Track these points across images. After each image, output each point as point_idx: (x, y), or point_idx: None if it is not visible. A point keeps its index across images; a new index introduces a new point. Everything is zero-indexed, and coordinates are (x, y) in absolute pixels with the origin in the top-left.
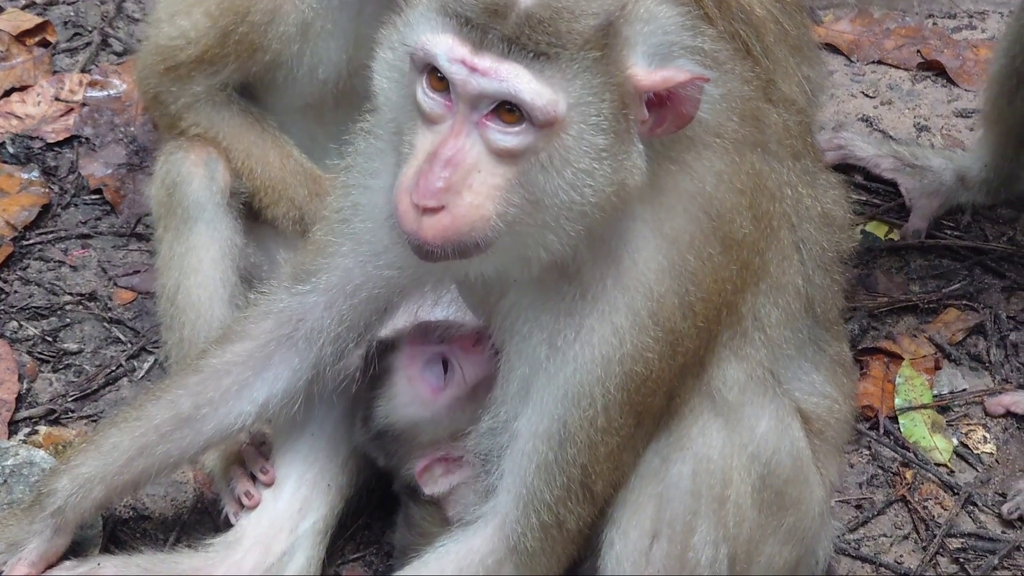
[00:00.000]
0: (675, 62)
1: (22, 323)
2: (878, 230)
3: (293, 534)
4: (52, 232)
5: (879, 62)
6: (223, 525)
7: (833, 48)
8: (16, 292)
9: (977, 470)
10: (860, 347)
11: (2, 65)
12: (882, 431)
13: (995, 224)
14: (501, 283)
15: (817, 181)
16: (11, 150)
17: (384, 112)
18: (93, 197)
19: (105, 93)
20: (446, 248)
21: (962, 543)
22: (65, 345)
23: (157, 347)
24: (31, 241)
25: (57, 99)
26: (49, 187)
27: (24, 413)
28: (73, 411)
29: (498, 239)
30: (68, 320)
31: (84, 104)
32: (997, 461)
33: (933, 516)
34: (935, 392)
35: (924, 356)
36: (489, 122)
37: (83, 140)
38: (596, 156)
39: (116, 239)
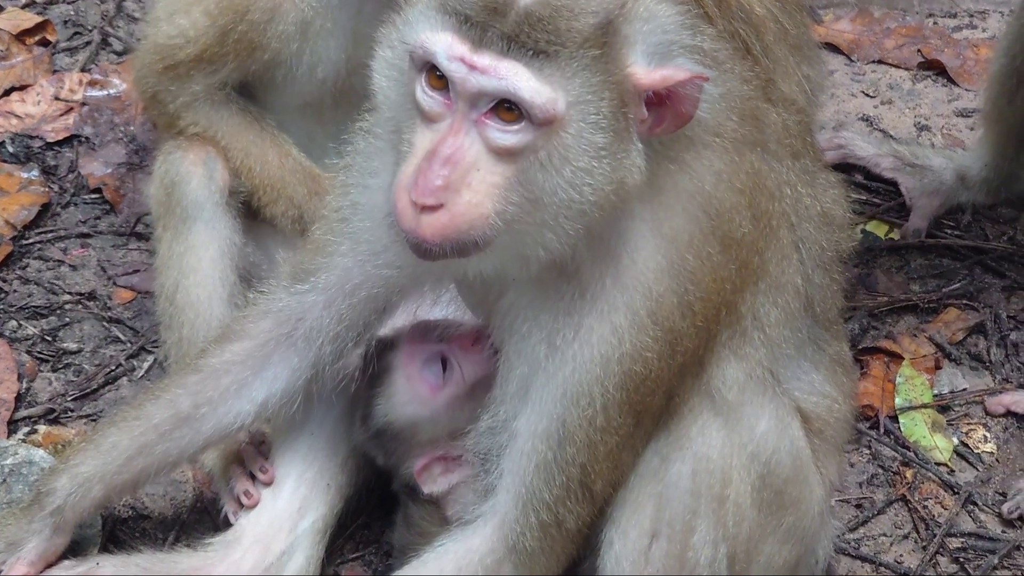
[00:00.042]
0: (674, 61)
1: (21, 322)
2: (878, 229)
3: (292, 533)
4: (52, 231)
5: (879, 61)
6: (222, 524)
7: (833, 47)
8: (16, 291)
9: (977, 469)
10: (860, 346)
11: (2, 64)
12: (882, 430)
13: (995, 223)
14: (500, 282)
15: (816, 180)
16: (11, 149)
17: (383, 111)
18: (93, 196)
19: (105, 92)
20: (444, 246)
21: (962, 542)
22: (64, 344)
23: (156, 346)
24: (31, 240)
25: (57, 98)
26: (49, 186)
27: (23, 412)
28: (72, 410)
29: (497, 238)
30: (67, 319)
31: (84, 103)
32: (997, 460)
33: (933, 515)
34: (935, 391)
35: (924, 355)
36: (488, 120)
37: (83, 139)
38: (595, 154)
39: (116, 238)
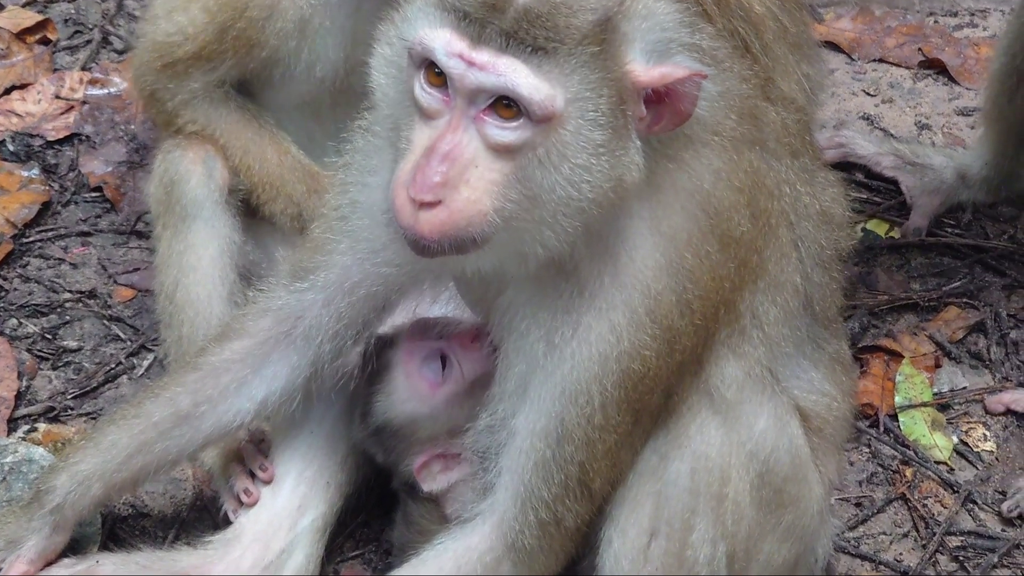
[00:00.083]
0: (673, 59)
1: (22, 320)
2: (879, 228)
3: (292, 532)
4: (52, 230)
5: (880, 60)
6: (222, 523)
7: (834, 46)
8: (16, 290)
9: (977, 468)
10: (860, 345)
11: (2, 63)
12: (882, 429)
13: (996, 222)
14: (499, 280)
15: (815, 179)
16: (11, 148)
17: (382, 108)
18: (93, 195)
19: (105, 91)
20: (443, 243)
21: (962, 541)
22: (65, 343)
23: (156, 345)
24: (31, 239)
25: (57, 97)
26: (49, 185)
27: (23, 410)
28: (72, 409)
29: (495, 235)
30: (68, 318)
31: (84, 102)
32: (997, 459)
33: (933, 514)
34: (935, 390)
35: (924, 354)
36: (487, 117)
37: (83, 138)
38: (594, 152)
39: (116, 237)
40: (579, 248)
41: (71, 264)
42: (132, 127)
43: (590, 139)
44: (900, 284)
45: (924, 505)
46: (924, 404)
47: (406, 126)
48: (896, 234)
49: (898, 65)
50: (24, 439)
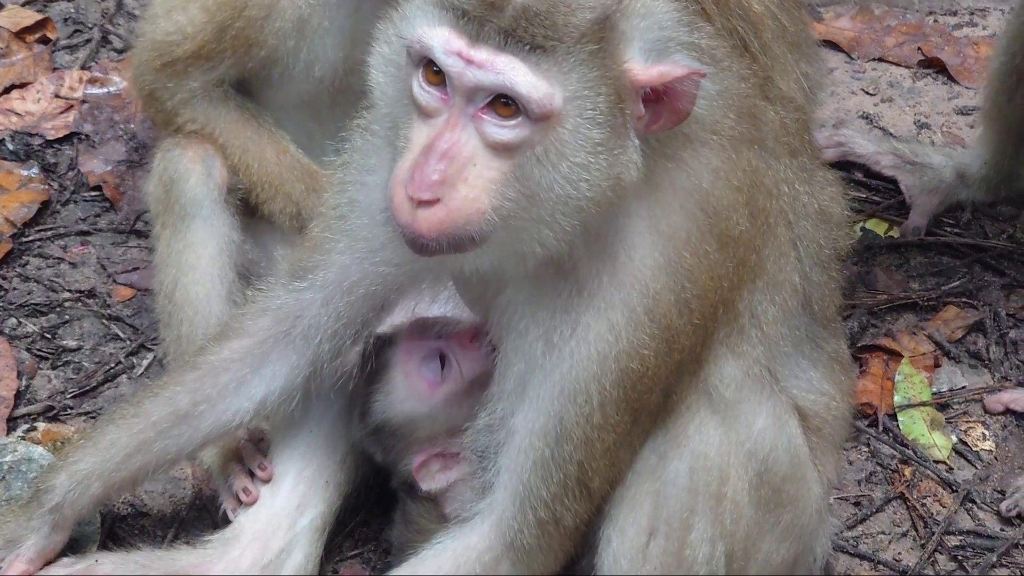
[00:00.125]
0: (671, 57)
1: (21, 320)
2: (878, 227)
3: (291, 531)
4: (51, 229)
5: (880, 59)
6: (221, 522)
7: (834, 45)
8: (15, 289)
9: (976, 467)
10: (859, 344)
11: (2, 62)
12: (881, 428)
13: (995, 221)
14: (497, 279)
15: (814, 178)
16: (11, 147)
17: (380, 107)
18: (92, 194)
19: (105, 90)
20: (441, 242)
21: (960, 540)
22: (64, 342)
23: (156, 344)
24: (30, 238)
25: (57, 96)
26: (48, 184)
27: (23, 410)
28: (72, 408)
29: (493, 233)
30: (67, 317)
31: (84, 101)
32: (996, 458)
33: (932, 513)
34: (934, 389)
35: (923, 353)
36: (485, 115)
37: (83, 137)
38: (592, 150)
39: (115, 236)
40: (578, 247)
41: (70, 263)
42: (131, 126)
43: (588, 137)
44: (899, 283)
45: (923, 504)
46: (923, 403)
47: (404, 125)
48: (895, 233)
49: (897, 64)
50: (23, 438)
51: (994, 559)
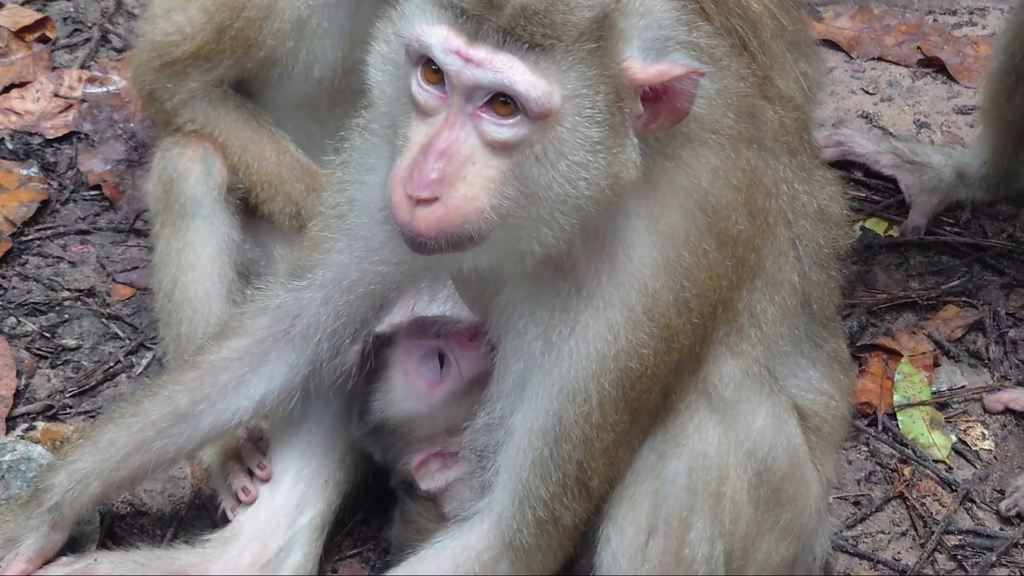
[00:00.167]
0: (670, 56)
1: (20, 319)
2: (877, 227)
3: (290, 530)
4: (51, 228)
5: (879, 58)
6: (220, 521)
7: (833, 44)
8: (15, 288)
9: (975, 467)
10: (859, 344)
11: (1, 61)
12: (880, 428)
13: (994, 221)
14: (496, 278)
15: (813, 177)
16: (10, 146)
17: (379, 106)
18: (92, 193)
19: (104, 89)
20: (439, 240)
21: (960, 540)
22: (63, 341)
23: (155, 343)
24: (30, 237)
25: (56, 95)
26: (48, 183)
27: (22, 409)
28: (71, 407)
29: (492, 232)
30: (66, 316)
31: (83, 100)
32: (995, 458)
33: (931, 513)
34: (934, 389)
35: (923, 353)
36: (484, 114)
37: (82, 136)
38: (591, 149)
39: (115, 235)
40: (576, 246)
41: (70, 262)
42: (131, 125)
43: (587, 136)
44: (899, 283)
45: (922, 504)
46: (923, 403)
47: (403, 123)
48: (895, 232)
49: (897, 63)
50: (23, 437)
51: (993, 558)
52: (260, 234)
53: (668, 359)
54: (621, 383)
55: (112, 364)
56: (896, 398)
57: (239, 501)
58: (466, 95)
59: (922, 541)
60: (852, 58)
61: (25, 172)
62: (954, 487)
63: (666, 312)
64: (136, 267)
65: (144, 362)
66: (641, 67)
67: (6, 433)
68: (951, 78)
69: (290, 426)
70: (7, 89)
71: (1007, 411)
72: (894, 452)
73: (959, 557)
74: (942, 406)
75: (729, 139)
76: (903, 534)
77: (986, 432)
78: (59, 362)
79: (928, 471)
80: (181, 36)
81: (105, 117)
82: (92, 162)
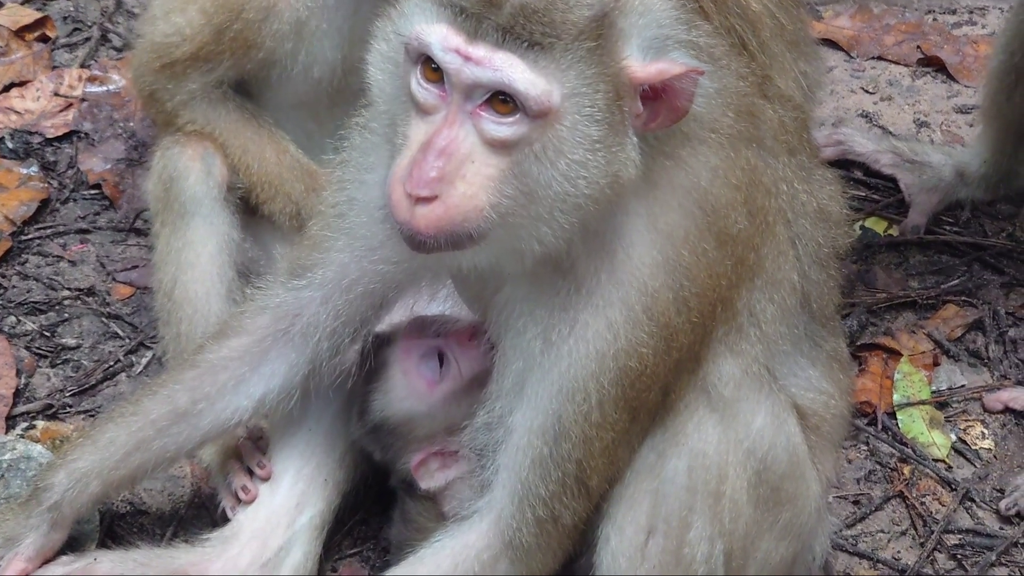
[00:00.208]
0: (670, 55)
1: (20, 318)
2: (877, 226)
3: (290, 529)
4: (51, 227)
5: (879, 58)
6: (220, 520)
7: (833, 44)
8: (14, 287)
9: (975, 466)
10: (859, 343)
11: (1, 60)
12: (880, 427)
13: (994, 220)
14: (496, 277)
15: (813, 177)
16: (10, 145)
17: (378, 104)
18: (92, 192)
19: (104, 88)
20: (439, 239)
21: (960, 539)
22: (63, 340)
23: (155, 342)
24: (30, 236)
25: (56, 94)
26: (48, 182)
27: (22, 408)
28: (71, 406)
29: (491, 230)
30: (66, 315)
31: (83, 99)
32: (995, 457)
33: (931, 512)
34: (933, 388)
35: (923, 352)
36: (483, 112)
37: (82, 135)
38: (590, 147)
39: (115, 234)
40: (576, 245)
41: (70, 261)
42: (131, 124)
43: (586, 135)
44: (898, 282)
45: (922, 503)
46: (922, 402)
47: (403, 122)
48: (894, 232)
49: (897, 63)
50: (22, 436)
51: (993, 558)
52: (260, 233)
53: (667, 358)
54: (620, 382)
55: (112, 363)
56: (896, 397)
57: (239, 500)
58: (465, 93)
59: (922, 540)
60: (852, 57)
61: (25, 171)
62: (954, 486)
63: (665, 311)
64: (136, 266)
65: (144, 361)
66: (640, 66)
67: (6, 432)
68: (951, 77)
69: (290, 425)
70: (7, 88)
71: (1007, 410)
72: (894, 451)
73: (959, 556)
74: (942, 405)
75: (728, 138)
76: (903, 533)
77: (986, 431)
78: (59, 361)
79: (928, 470)
80: (180, 37)
81: (105, 116)
82: (92, 161)
